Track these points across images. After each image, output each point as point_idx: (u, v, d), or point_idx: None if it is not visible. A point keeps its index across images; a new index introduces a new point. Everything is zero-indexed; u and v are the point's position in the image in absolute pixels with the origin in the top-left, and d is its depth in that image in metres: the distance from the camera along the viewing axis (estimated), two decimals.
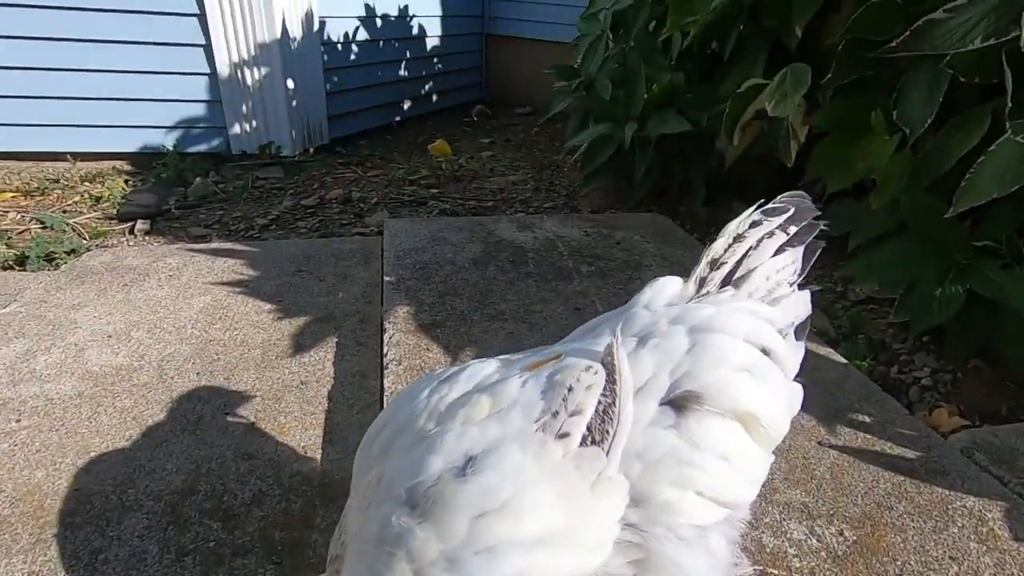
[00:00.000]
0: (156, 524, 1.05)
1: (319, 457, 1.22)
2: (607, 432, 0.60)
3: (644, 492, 0.61)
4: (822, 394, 1.30)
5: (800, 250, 0.70)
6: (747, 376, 0.64)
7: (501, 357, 0.72)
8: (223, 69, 3.21)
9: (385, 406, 1.29)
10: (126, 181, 3.05)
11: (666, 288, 0.72)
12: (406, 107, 4.49)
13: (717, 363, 0.64)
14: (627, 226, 2.20)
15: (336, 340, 1.61)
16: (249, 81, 3.28)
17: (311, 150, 3.60)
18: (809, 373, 1.41)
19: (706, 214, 2.49)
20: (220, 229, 2.54)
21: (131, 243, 2.41)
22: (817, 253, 0.71)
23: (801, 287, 0.74)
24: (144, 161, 3.31)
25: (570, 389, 0.60)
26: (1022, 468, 1.11)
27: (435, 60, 4.70)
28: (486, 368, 0.68)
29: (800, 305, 0.72)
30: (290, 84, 3.37)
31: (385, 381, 1.34)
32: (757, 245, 0.69)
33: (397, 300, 1.62)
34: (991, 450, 1.15)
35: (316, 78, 3.56)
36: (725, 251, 0.70)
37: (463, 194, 2.95)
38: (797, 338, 0.72)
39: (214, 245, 2.20)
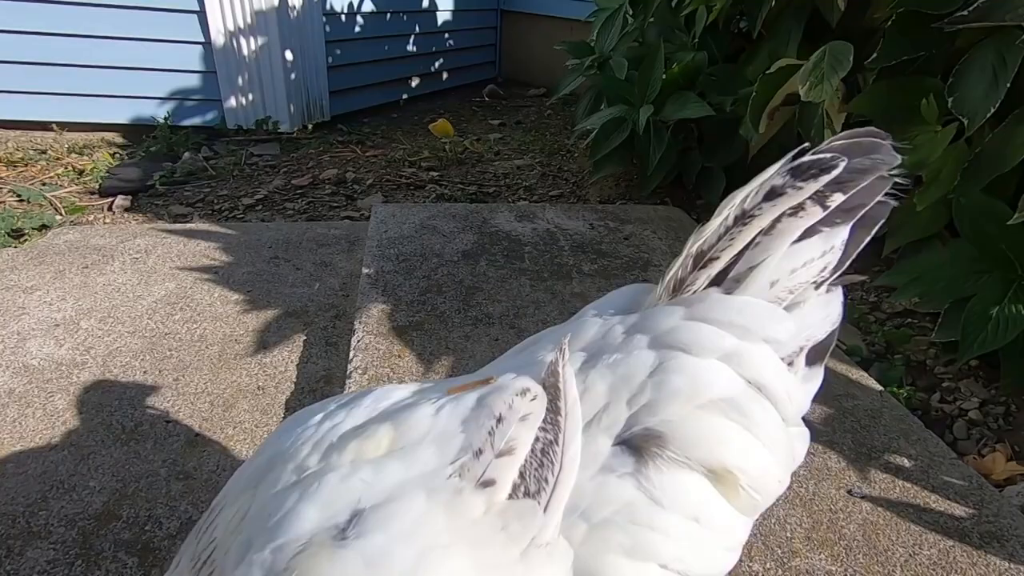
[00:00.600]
0: (63, 557, 0.90)
1: None
2: (545, 481, 0.43)
3: (591, 564, 0.44)
4: (854, 429, 1.11)
5: (843, 232, 0.45)
6: (721, 419, 0.46)
7: (424, 383, 0.55)
8: (218, 38, 3.03)
9: None
10: (113, 154, 2.91)
11: (628, 295, 0.55)
12: (414, 84, 4.29)
13: (681, 396, 0.46)
14: (637, 219, 2.00)
15: (304, 338, 1.45)
16: (245, 51, 3.10)
17: (310, 126, 3.42)
18: (838, 402, 1.22)
19: None
20: (203, 208, 2.39)
21: (107, 220, 2.27)
22: (877, 227, 0.44)
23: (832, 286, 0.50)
24: (136, 133, 3.16)
25: (499, 420, 0.43)
26: None
27: (446, 36, 4.48)
28: (398, 392, 0.51)
29: (821, 318, 0.51)
30: (289, 56, 3.19)
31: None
32: (771, 228, 0.46)
33: (373, 297, 1.45)
34: None
35: (317, 50, 3.37)
36: (719, 239, 0.47)
37: (464, 178, 2.76)
38: (811, 363, 0.51)
39: (189, 226, 2.05)
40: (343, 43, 3.59)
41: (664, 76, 2.20)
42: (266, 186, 2.61)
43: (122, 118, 3.16)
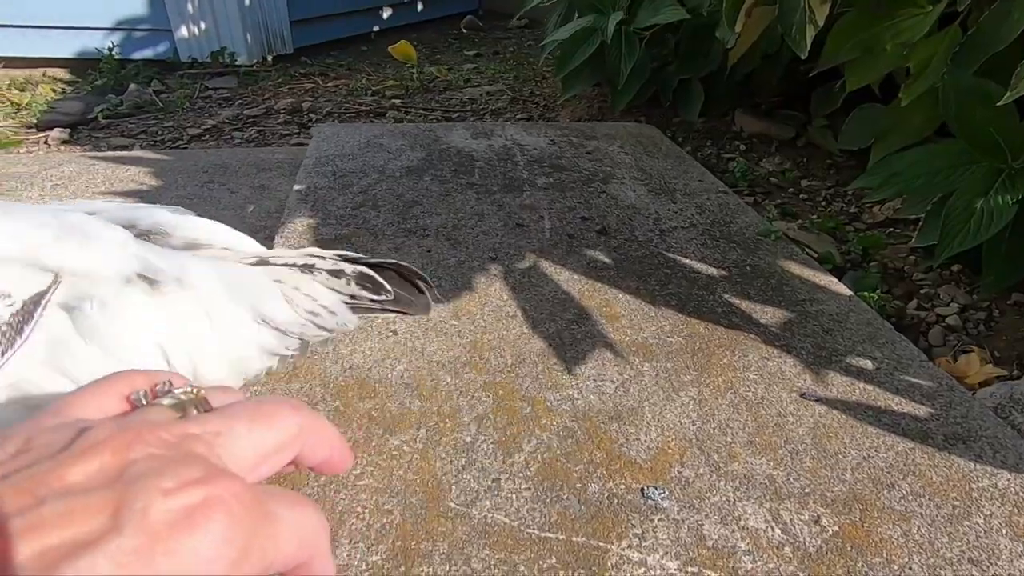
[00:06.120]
0: None
1: None
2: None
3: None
4: (815, 333, 1.00)
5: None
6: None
7: None
8: None
9: None
10: (58, 89, 2.73)
11: None
12: (386, 16, 4.03)
13: None
14: (604, 135, 1.85)
15: None
16: None
17: (271, 59, 3.22)
18: (801, 307, 1.11)
19: (703, 126, 2.12)
20: (146, 139, 2.24)
21: (41, 152, 2.12)
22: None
23: None
24: (83, 68, 2.96)
25: None
26: None
27: None
28: None
29: None
30: None
31: None
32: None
33: (300, 211, 1.32)
34: None
35: None
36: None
37: (428, 105, 2.58)
38: None
39: (121, 153, 1.91)
40: None
41: None
42: (215, 117, 2.45)
43: (68, 52, 2.96)
